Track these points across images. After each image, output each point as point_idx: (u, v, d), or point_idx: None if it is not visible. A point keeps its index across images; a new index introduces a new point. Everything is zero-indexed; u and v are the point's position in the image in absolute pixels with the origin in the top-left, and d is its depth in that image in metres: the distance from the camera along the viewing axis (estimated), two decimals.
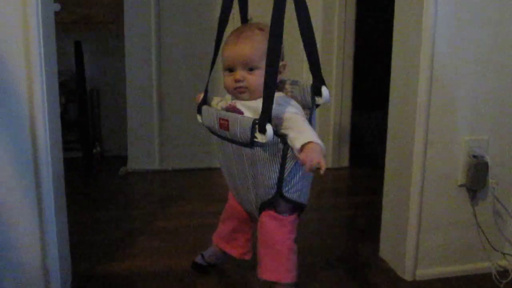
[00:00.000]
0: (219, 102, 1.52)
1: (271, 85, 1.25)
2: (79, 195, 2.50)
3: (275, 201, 1.39)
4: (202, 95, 1.52)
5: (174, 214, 2.30)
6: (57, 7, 1.55)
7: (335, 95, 3.00)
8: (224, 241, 1.63)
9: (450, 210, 1.71)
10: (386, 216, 1.84)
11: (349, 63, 3.00)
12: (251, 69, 1.37)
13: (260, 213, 1.42)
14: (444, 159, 1.67)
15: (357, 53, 3.02)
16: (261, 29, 1.39)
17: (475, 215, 1.72)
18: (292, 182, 1.36)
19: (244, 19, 1.52)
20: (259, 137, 1.26)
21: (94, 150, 3.14)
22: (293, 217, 1.42)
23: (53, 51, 1.51)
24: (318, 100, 1.38)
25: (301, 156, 1.22)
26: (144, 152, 2.95)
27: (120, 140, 3.04)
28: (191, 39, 2.90)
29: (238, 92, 1.39)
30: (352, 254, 1.91)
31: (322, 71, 1.40)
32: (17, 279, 1.43)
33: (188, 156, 2.99)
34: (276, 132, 1.27)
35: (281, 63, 1.37)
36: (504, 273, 1.73)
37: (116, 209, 2.38)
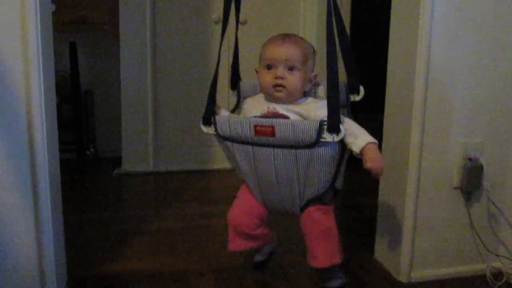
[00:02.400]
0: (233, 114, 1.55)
1: (336, 86, 1.33)
2: (73, 197, 2.50)
3: (323, 195, 1.46)
4: (220, 109, 1.51)
5: (169, 215, 2.30)
6: (52, 7, 1.55)
7: None
8: (244, 240, 1.58)
9: (445, 213, 1.72)
10: (382, 218, 1.85)
11: None
12: (291, 69, 1.42)
13: (304, 208, 1.48)
14: (439, 162, 1.68)
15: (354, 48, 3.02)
16: (302, 38, 1.51)
17: (469, 218, 1.73)
18: (342, 174, 1.46)
19: (237, 19, 1.57)
20: (328, 137, 1.31)
21: (88, 152, 3.14)
22: (333, 205, 1.52)
23: (50, 52, 1.51)
24: (354, 97, 1.49)
25: (368, 165, 1.32)
26: (138, 153, 2.95)
27: (114, 141, 3.03)
28: (186, 41, 2.90)
29: (276, 90, 1.43)
30: (347, 256, 1.91)
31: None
32: (13, 280, 1.42)
33: (182, 157, 2.99)
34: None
35: (313, 73, 1.49)
36: (498, 275, 1.74)
37: (110, 210, 2.38)
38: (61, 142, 1.65)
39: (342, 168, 1.44)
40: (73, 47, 2.83)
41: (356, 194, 2.74)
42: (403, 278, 1.72)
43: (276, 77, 1.42)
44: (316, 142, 1.32)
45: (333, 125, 1.31)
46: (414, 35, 1.60)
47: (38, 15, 1.32)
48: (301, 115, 1.42)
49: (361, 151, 1.34)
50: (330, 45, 1.32)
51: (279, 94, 1.43)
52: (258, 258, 1.71)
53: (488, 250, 1.75)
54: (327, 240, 1.50)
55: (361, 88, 1.48)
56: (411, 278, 1.72)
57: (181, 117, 2.95)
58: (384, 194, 1.83)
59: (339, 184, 1.47)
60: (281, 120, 1.36)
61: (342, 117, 1.34)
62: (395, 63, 1.74)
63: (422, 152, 1.65)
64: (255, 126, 1.38)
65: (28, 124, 1.35)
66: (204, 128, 1.49)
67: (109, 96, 3.15)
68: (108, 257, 1.84)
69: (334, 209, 1.52)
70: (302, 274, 1.75)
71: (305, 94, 1.50)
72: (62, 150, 1.65)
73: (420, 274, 1.73)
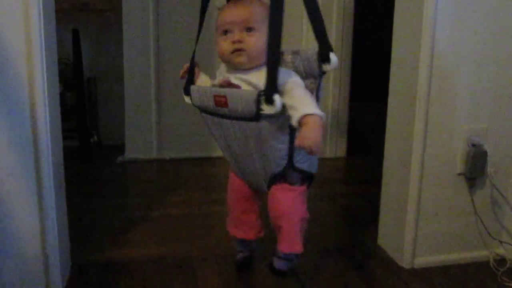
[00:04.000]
0: (210, 79, 1.50)
1: (276, 53, 1.21)
2: (77, 184, 2.50)
3: (286, 173, 1.38)
4: (185, 73, 1.49)
5: (172, 202, 2.30)
6: None
7: (333, 85, 3.00)
8: (236, 228, 1.62)
9: (448, 199, 1.72)
10: (385, 204, 1.85)
11: (348, 52, 3.00)
12: (249, 30, 1.32)
13: (270, 186, 1.42)
14: (443, 148, 1.68)
15: (355, 44, 3.01)
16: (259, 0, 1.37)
17: (473, 204, 1.73)
18: (302, 152, 1.34)
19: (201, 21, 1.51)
20: (266, 109, 1.21)
21: (92, 139, 3.14)
22: (304, 187, 1.43)
23: (53, 39, 1.50)
24: (326, 67, 1.35)
25: (296, 143, 1.21)
26: (142, 141, 2.95)
27: (118, 128, 3.03)
28: (189, 27, 2.87)
29: (235, 55, 1.34)
30: (350, 242, 1.92)
31: None
32: (16, 267, 1.43)
33: (185, 145, 2.99)
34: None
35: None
36: (501, 261, 1.75)
37: (113, 197, 2.38)
38: (64, 129, 1.65)
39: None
40: (76, 34, 2.82)
41: (359, 181, 2.74)
42: (406, 265, 1.72)
43: (234, 42, 1.32)
44: (258, 114, 1.23)
45: (268, 95, 1.20)
46: (419, 21, 1.59)
47: (41, 2, 1.32)
48: (253, 85, 1.31)
49: (301, 121, 1.21)
50: (275, 9, 1.20)
51: (239, 59, 1.34)
52: (240, 257, 1.70)
53: (491, 237, 1.75)
54: (287, 224, 1.41)
55: (332, 56, 1.33)
56: (414, 265, 1.72)
57: (184, 104, 2.94)
58: (388, 180, 1.83)
59: (304, 164, 1.38)
60: (231, 90, 1.30)
61: (287, 86, 1.25)
62: (399, 50, 1.73)
63: (425, 138, 1.65)
64: (214, 96, 1.32)
65: (31, 112, 1.35)
66: (186, 98, 1.47)
67: (112, 83, 3.15)
68: (112, 244, 1.85)
69: (305, 194, 1.43)
70: (305, 262, 1.75)
71: None
72: (65, 138, 1.65)
73: (423, 260, 1.73)
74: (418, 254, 1.72)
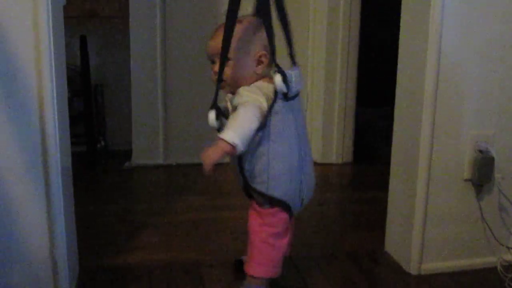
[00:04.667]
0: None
1: (220, 73, 1.35)
2: (84, 189, 2.51)
3: (249, 191, 1.40)
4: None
5: (179, 208, 2.30)
6: (63, 1, 1.56)
7: (339, 90, 3.00)
8: None
9: (455, 205, 1.71)
10: (392, 210, 1.85)
11: (354, 58, 3.00)
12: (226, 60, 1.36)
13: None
14: (450, 154, 1.68)
15: (362, 48, 3.02)
16: (239, 21, 1.38)
17: (480, 210, 1.72)
18: (255, 173, 1.36)
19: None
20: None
21: (99, 145, 3.15)
22: (271, 210, 1.40)
23: (62, 46, 1.52)
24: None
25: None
26: (149, 146, 2.96)
27: (125, 134, 3.04)
28: (196, 34, 2.90)
29: (220, 86, 1.40)
30: (357, 248, 1.92)
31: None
32: (25, 272, 1.44)
33: (192, 150, 2.99)
34: None
35: (259, 53, 1.38)
36: (509, 267, 1.74)
37: (121, 203, 2.39)
38: (72, 135, 1.66)
39: (256, 169, 1.35)
40: (83, 41, 2.83)
41: (366, 186, 2.73)
42: (413, 270, 1.72)
43: (214, 73, 1.41)
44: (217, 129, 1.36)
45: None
46: (425, 25, 1.59)
47: (50, 8, 1.33)
48: (232, 104, 1.38)
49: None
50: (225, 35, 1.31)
51: (223, 90, 1.41)
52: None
53: (499, 243, 1.74)
54: (250, 246, 1.44)
55: (275, 78, 1.31)
56: (421, 270, 1.72)
57: (191, 110, 2.95)
58: (394, 186, 1.83)
59: (260, 185, 1.37)
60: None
61: (241, 104, 1.31)
62: (406, 54, 1.74)
63: (432, 144, 1.65)
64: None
65: (40, 118, 1.36)
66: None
67: (119, 89, 3.16)
68: (119, 249, 1.85)
69: (274, 219, 1.40)
70: (312, 266, 1.75)
71: (265, 77, 1.40)
72: (73, 143, 1.66)
73: (431, 266, 1.72)
74: (425, 260, 1.72)
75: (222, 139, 1.26)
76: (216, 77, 1.38)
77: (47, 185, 1.39)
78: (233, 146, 1.26)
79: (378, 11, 3.33)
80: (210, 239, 1.97)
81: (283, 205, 1.40)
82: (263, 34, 1.35)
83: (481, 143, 1.68)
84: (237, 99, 1.34)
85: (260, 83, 1.39)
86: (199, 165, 3.10)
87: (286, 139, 1.35)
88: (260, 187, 1.37)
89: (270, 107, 1.32)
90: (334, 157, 3.08)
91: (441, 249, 1.73)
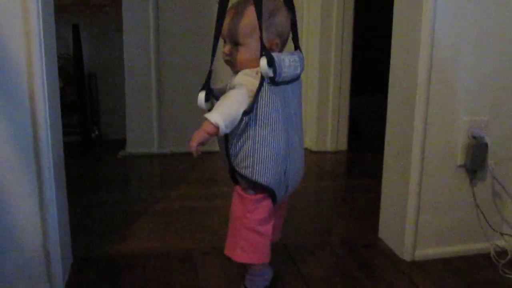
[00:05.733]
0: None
1: (212, 55, 1.33)
2: (78, 179, 2.51)
3: (235, 174, 1.39)
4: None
5: (174, 196, 2.30)
6: None
7: (333, 79, 2.99)
8: None
9: (449, 191, 1.72)
10: (386, 197, 1.85)
11: (348, 46, 2.99)
12: (235, 44, 1.35)
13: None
14: (444, 140, 1.68)
15: (356, 37, 3.01)
16: (255, 4, 1.33)
17: (474, 196, 1.73)
18: (240, 157, 1.34)
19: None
20: None
21: (93, 134, 3.14)
22: (257, 196, 1.38)
23: (52, 34, 1.50)
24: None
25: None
26: (143, 135, 2.95)
27: (119, 123, 3.04)
28: (189, 22, 2.89)
29: (227, 65, 1.39)
30: (351, 235, 1.92)
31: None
32: (18, 261, 1.44)
33: (186, 139, 2.98)
34: None
35: (271, 41, 1.34)
36: (502, 253, 1.75)
37: (115, 192, 2.39)
38: (66, 125, 1.65)
39: (242, 153, 1.33)
40: (76, 30, 2.82)
41: (359, 174, 2.74)
42: (407, 257, 1.72)
43: (223, 53, 1.37)
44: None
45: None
46: (418, 13, 1.59)
47: None
48: (230, 86, 1.36)
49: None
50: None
51: (232, 69, 1.39)
52: None
53: (492, 229, 1.75)
54: (231, 227, 1.44)
55: (261, 61, 1.28)
56: (415, 257, 1.72)
57: (185, 98, 2.94)
58: (388, 173, 1.83)
59: (245, 170, 1.34)
60: None
61: (232, 85, 1.31)
62: (399, 42, 1.73)
63: (426, 130, 1.64)
64: None
65: (31, 108, 1.35)
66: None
67: (113, 78, 3.15)
68: (113, 238, 1.85)
69: (258, 205, 1.38)
70: (307, 254, 1.75)
71: None
72: (66, 133, 1.65)
73: (424, 252, 1.73)
74: (418, 246, 1.72)
75: (207, 120, 1.26)
76: (226, 58, 1.37)
77: (38, 175, 1.39)
78: (216, 127, 1.26)
79: None
80: (204, 227, 1.97)
81: (268, 191, 1.38)
82: (276, 20, 1.34)
83: (475, 129, 1.67)
84: (234, 81, 1.33)
85: (252, 71, 1.35)
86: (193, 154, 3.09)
87: (272, 125, 1.33)
88: (245, 171, 1.35)
89: (257, 91, 1.30)
90: (328, 145, 3.09)
91: (435, 235, 1.74)
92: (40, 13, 1.32)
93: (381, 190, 1.87)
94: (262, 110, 1.30)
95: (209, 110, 1.34)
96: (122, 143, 2.98)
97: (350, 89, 3.08)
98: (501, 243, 1.78)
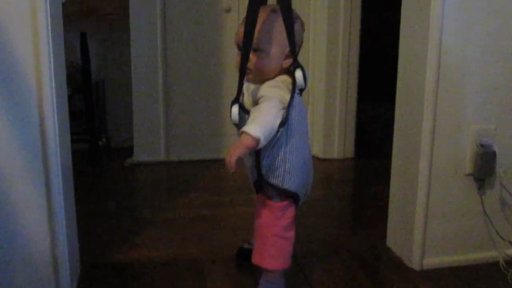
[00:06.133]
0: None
1: (243, 67, 1.31)
2: (86, 186, 2.51)
3: (262, 184, 1.40)
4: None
5: (181, 204, 2.30)
6: None
7: (340, 86, 2.99)
8: None
9: (457, 199, 1.71)
10: (393, 205, 1.84)
11: (355, 53, 2.99)
12: (255, 50, 1.35)
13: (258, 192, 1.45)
14: (452, 148, 1.67)
15: (363, 44, 3.01)
16: (274, 11, 1.36)
17: (482, 204, 1.72)
18: (271, 168, 1.36)
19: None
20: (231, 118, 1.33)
21: (100, 142, 3.14)
22: (283, 203, 1.41)
23: (61, 43, 1.51)
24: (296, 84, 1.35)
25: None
26: (150, 143, 2.96)
27: (126, 131, 3.04)
28: (197, 30, 2.90)
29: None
30: (359, 243, 1.92)
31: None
32: (26, 269, 1.44)
33: (194, 147, 3.00)
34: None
35: (282, 49, 1.36)
36: (511, 262, 1.73)
37: (122, 200, 2.39)
38: (74, 132, 1.66)
39: (275, 163, 1.35)
40: (84, 38, 2.84)
41: (367, 181, 2.73)
42: (415, 265, 1.71)
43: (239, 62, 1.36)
44: (235, 123, 1.33)
45: (231, 106, 1.32)
46: (426, 19, 1.59)
47: (48, 6, 1.32)
48: (251, 96, 1.36)
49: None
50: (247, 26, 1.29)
51: (247, 76, 1.38)
52: (247, 246, 1.72)
53: (501, 237, 1.74)
54: (258, 236, 1.45)
55: (296, 73, 1.32)
56: (423, 266, 1.72)
57: (193, 106, 2.95)
58: (396, 181, 1.82)
59: (275, 179, 1.37)
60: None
61: (261, 99, 1.30)
62: (407, 49, 1.73)
63: (434, 138, 1.64)
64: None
65: (40, 115, 1.36)
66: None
67: (120, 86, 3.16)
68: (121, 246, 1.85)
69: (285, 212, 1.41)
70: (314, 262, 1.75)
71: (287, 71, 1.39)
72: (74, 141, 1.66)
73: (432, 261, 1.72)
74: (427, 255, 1.71)
75: (246, 133, 1.24)
76: (240, 66, 1.36)
77: (47, 183, 1.39)
78: (257, 141, 1.24)
79: (379, 5, 3.32)
80: (212, 235, 1.97)
81: (295, 197, 1.42)
82: (296, 28, 1.35)
83: (483, 137, 1.67)
84: (261, 92, 1.33)
85: (285, 77, 1.38)
86: (201, 162, 3.11)
87: (301, 133, 1.37)
88: (276, 181, 1.37)
89: (290, 102, 1.31)
90: (335, 153, 3.08)
91: (443, 244, 1.73)
92: (49, 21, 1.33)
93: (388, 198, 1.86)
94: (293, 120, 1.33)
95: (237, 124, 1.35)
96: (129, 151, 2.99)
97: (357, 96, 3.08)
98: (510, 252, 1.76)
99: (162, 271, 1.69)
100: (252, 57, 1.35)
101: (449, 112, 1.64)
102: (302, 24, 1.42)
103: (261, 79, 1.37)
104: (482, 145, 1.66)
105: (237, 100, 1.34)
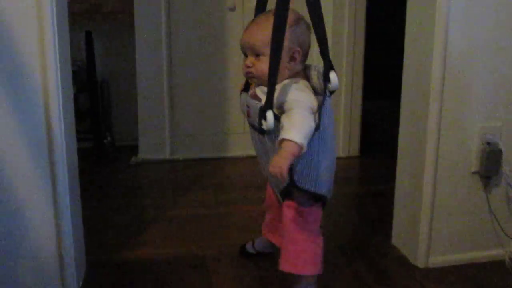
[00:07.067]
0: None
1: (274, 72, 1.25)
2: (91, 185, 2.51)
3: (291, 191, 1.38)
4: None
5: (186, 203, 2.31)
6: None
7: (345, 83, 2.98)
8: (268, 230, 1.67)
9: (463, 197, 1.71)
10: (399, 203, 1.84)
11: (360, 50, 2.98)
12: (257, 55, 1.35)
13: (283, 199, 1.43)
14: (457, 146, 1.67)
15: (368, 41, 3.00)
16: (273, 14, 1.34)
17: (488, 202, 1.72)
18: (305, 172, 1.33)
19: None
20: (264, 124, 1.25)
21: (105, 140, 3.15)
22: (313, 208, 1.42)
23: (67, 41, 1.51)
24: (328, 86, 1.33)
25: (269, 169, 1.21)
26: (155, 141, 2.95)
27: (131, 129, 3.04)
28: (201, 29, 2.89)
29: (249, 78, 1.41)
30: (364, 241, 1.91)
31: (331, 58, 1.37)
32: (32, 267, 1.44)
33: (199, 145, 2.99)
34: (279, 119, 1.26)
35: (293, 49, 1.35)
36: None
37: (127, 198, 2.39)
38: (78, 131, 1.66)
39: (308, 168, 1.32)
40: (89, 37, 2.84)
41: (372, 180, 2.72)
42: (420, 264, 1.71)
43: (245, 66, 1.37)
44: (261, 129, 1.27)
45: (262, 111, 1.25)
46: (431, 17, 1.58)
47: (54, 4, 1.33)
48: (276, 99, 1.32)
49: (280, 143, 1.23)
50: (276, 30, 1.24)
51: (252, 81, 1.40)
52: (250, 249, 1.74)
53: (507, 236, 1.74)
54: (288, 243, 1.44)
55: (331, 75, 1.32)
56: (429, 264, 1.71)
57: (198, 104, 2.95)
58: (401, 179, 1.82)
59: (307, 184, 1.34)
60: (253, 102, 1.34)
61: (287, 104, 1.26)
62: (412, 47, 1.72)
63: (439, 136, 1.64)
64: (246, 106, 1.39)
65: (46, 114, 1.36)
66: None
67: (125, 84, 3.15)
68: (126, 244, 1.86)
69: (315, 215, 1.42)
70: None
71: (299, 74, 1.39)
72: (79, 139, 1.66)
73: (438, 259, 1.72)
74: (432, 253, 1.71)
75: (291, 140, 1.20)
76: (248, 70, 1.36)
77: (53, 181, 1.40)
78: (301, 147, 1.21)
79: (384, 3, 3.31)
80: (217, 233, 1.97)
81: (324, 200, 1.43)
82: (298, 30, 1.35)
83: (489, 135, 1.66)
84: (289, 96, 1.30)
85: (304, 81, 1.38)
86: (206, 160, 3.11)
87: (331, 136, 1.36)
88: (308, 185, 1.35)
89: (322, 106, 1.31)
90: (340, 151, 3.07)
91: (449, 242, 1.73)
92: (55, 20, 1.33)
93: (394, 196, 1.86)
94: (326, 123, 1.32)
95: (262, 130, 1.30)
96: (134, 150, 2.98)
97: (362, 94, 3.07)
98: None
99: (167, 269, 1.69)
100: (256, 62, 1.35)
101: (455, 110, 1.63)
102: (307, 26, 1.39)
103: (264, 82, 1.33)
104: (488, 143, 1.66)
105: (270, 106, 1.27)
